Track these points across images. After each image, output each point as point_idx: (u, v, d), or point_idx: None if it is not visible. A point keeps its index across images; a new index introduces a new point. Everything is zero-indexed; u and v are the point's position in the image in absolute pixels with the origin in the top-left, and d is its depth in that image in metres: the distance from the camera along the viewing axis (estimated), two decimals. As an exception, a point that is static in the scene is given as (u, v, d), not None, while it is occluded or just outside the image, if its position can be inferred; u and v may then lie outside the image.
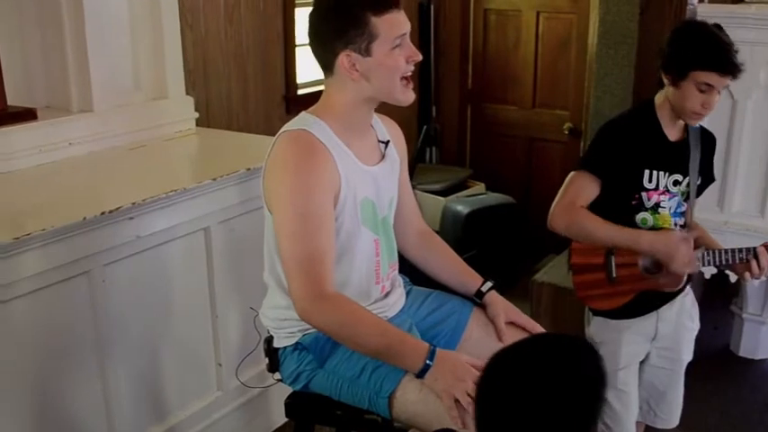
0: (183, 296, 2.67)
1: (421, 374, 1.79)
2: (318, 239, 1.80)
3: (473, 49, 4.96)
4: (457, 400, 1.74)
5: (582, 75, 4.49)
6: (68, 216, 2.22)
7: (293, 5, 3.88)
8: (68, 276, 2.27)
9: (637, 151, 2.32)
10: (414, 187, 2.41)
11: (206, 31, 3.46)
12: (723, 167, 3.35)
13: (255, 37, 3.71)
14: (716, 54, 2.19)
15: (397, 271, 2.13)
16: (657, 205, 2.35)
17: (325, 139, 1.87)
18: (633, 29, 3.78)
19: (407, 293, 2.18)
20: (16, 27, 2.80)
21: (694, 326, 2.55)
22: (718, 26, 2.27)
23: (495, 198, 4.49)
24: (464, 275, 2.20)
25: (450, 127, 5.08)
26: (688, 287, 2.50)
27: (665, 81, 2.27)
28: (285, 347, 2.00)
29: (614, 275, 2.41)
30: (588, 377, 1.24)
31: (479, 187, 4.69)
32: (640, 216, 2.36)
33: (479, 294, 2.15)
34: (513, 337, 2.06)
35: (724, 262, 2.34)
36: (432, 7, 4.77)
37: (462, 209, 4.26)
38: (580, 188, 2.36)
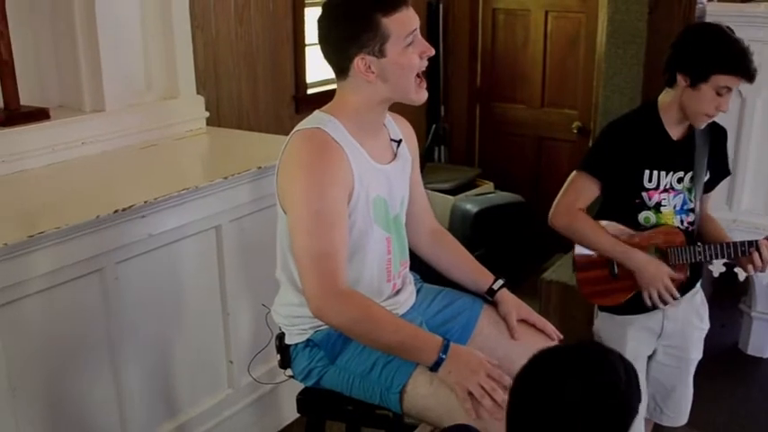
0: (194, 294, 2.69)
1: (434, 368, 1.80)
2: (332, 236, 1.81)
3: (482, 48, 4.97)
4: (471, 393, 1.76)
5: (591, 74, 4.51)
6: (81, 215, 2.24)
7: (303, 6, 3.89)
8: (81, 274, 2.29)
9: (637, 152, 2.33)
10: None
11: (216, 31, 3.48)
12: (732, 165, 3.34)
13: (265, 37, 3.73)
14: (740, 59, 2.20)
15: (408, 269, 2.14)
16: (659, 204, 2.36)
17: (339, 138, 1.88)
18: (642, 28, 3.79)
19: (418, 291, 2.19)
20: (29, 28, 2.82)
21: (703, 325, 2.55)
22: (729, 29, 2.29)
23: (503, 197, 4.50)
24: (475, 273, 2.21)
25: (458, 126, 5.09)
26: (698, 285, 2.51)
27: (682, 81, 2.26)
28: (297, 344, 2.02)
29: (616, 272, 2.42)
30: (621, 387, 1.25)
31: (488, 186, 4.70)
32: (643, 215, 2.37)
33: (491, 292, 2.17)
34: (524, 334, 2.09)
35: (726, 256, 2.35)
36: (440, 6, 4.78)
37: (471, 208, 4.27)
38: (580, 189, 2.40)
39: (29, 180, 2.58)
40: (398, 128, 2.10)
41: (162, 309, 2.58)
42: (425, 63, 1.90)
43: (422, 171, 2.25)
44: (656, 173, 2.34)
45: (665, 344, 2.50)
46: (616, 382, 1.25)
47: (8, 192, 2.49)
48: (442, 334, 2.04)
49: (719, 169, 2.48)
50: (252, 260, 2.82)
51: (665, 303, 2.35)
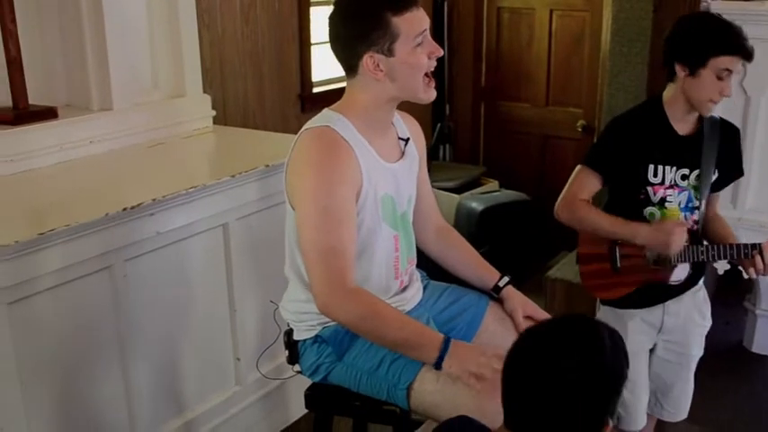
0: (201, 291, 2.70)
1: (437, 365, 1.82)
2: (340, 234, 1.83)
3: (486, 46, 4.98)
4: (476, 376, 1.78)
5: (595, 72, 4.52)
6: (90, 213, 2.26)
7: (308, 5, 3.91)
8: (90, 272, 2.30)
9: (640, 146, 2.34)
10: (428, 184, 2.45)
11: (222, 30, 3.49)
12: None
13: (271, 36, 3.75)
14: (734, 38, 2.21)
15: (414, 266, 2.16)
16: (664, 200, 2.37)
17: (348, 136, 1.89)
18: (646, 26, 3.79)
19: (424, 288, 2.20)
20: (37, 27, 2.84)
21: (705, 323, 2.55)
22: (718, 15, 2.30)
23: (508, 195, 4.51)
24: (482, 270, 2.23)
25: (463, 124, 5.11)
26: (700, 282, 2.52)
27: (681, 72, 2.27)
28: (305, 340, 2.04)
29: (618, 265, 2.44)
30: (607, 353, 1.32)
31: (493, 184, 4.71)
32: (648, 210, 2.38)
33: (497, 289, 2.19)
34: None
35: (729, 257, 2.35)
36: (445, 5, 4.80)
37: (476, 206, 4.28)
38: (582, 182, 2.42)
39: (37, 179, 2.60)
40: (406, 126, 2.12)
41: (169, 306, 2.59)
42: (434, 63, 1.91)
43: (428, 169, 2.27)
44: (660, 167, 2.34)
45: (665, 339, 2.51)
46: (602, 348, 1.32)
47: (17, 190, 2.51)
48: (448, 330, 2.07)
49: (731, 169, 2.47)
50: (259, 258, 2.84)
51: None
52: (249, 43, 3.64)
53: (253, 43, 3.66)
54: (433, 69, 1.92)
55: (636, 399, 2.52)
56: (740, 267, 2.80)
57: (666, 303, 2.44)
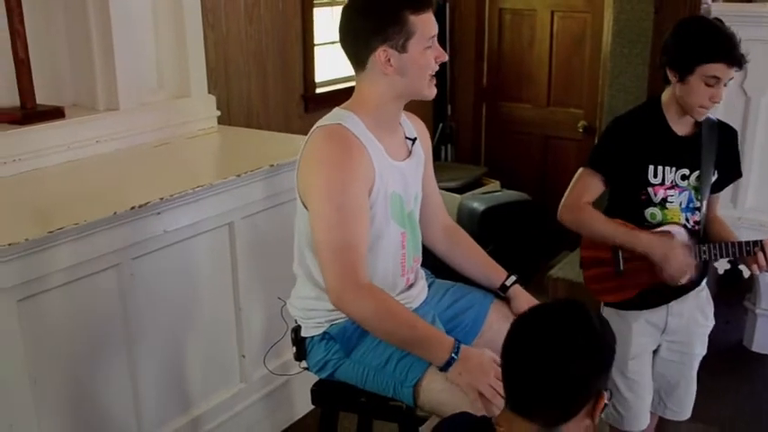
0: (207, 289, 2.73)
1: (445, 368, 1.84)
2: (354, 230, 1.86)
3: (488, 47, 5.00)
4: (481, 394, 1.80)
5: (596, 73, 4.54)
6: (98, 211, 2.28)
7: (312, 5, 3.92)
8: (98, 270, 2.32)
9: (641, 147, 2.35)
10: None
11: (227, 30, 3.51)
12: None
13: (275, 37, 3.76)
14: (721, 46, 2.20)
15: (419, 264, 2.18)
16: (665, 200, 2.37)
17: (360, 134, 1.93)
18: (647, 27, 3.82)
19: (429, 286, 2.22)
20: (44, 28, 2.86)
21: (708, 322, 2.56)
22: (719, 20, 2.31)
23: (510, 195, 4.52)
24: (489, 269, 2.25)
25: (465, 125, 5.13)
26: (703, 283, 2.53)
27: (672, 78, 2.28)
28: (312, 337, 2.06)
29: (621, 269, 2.45)
30: (597, 329, 1.46)
31: (495, 185, 4.73)
32: (649, 211, 2.39)
33: (503, 288, 2.21)
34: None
35: (731, 255, 2.36)
36: (447, 6, 4.82)
37: (478, 206, 4.30)
38: (586, 185, 2.42)
39: (45, 178, 2.62)
40: (413, 126, 2.14)
41: (175, 304, 2.61)
42: (437, 67, 1.97)
43: (431, 169, 2.29)
44: (660, 168, 2.35)
45: (668, 339, 2.52)
46: (593, 326, 1.45)
47: (25, 189, 2.53)
48: (452, 327, 2.09)
49: (729, 170, 2.48)
50: (264, 256, 2.86)
51: (683, 277, 2.35)
52: (253, 43, 3.66)
53: (257, 43, 3.68)
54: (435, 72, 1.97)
55: (639, 399, 2.53)
56: (740, 267, 2.82)
57: (670, 304, 2.45)
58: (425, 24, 1.90)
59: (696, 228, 2.40)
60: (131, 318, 2.45)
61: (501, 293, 2.21)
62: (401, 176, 2.02)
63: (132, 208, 2.33)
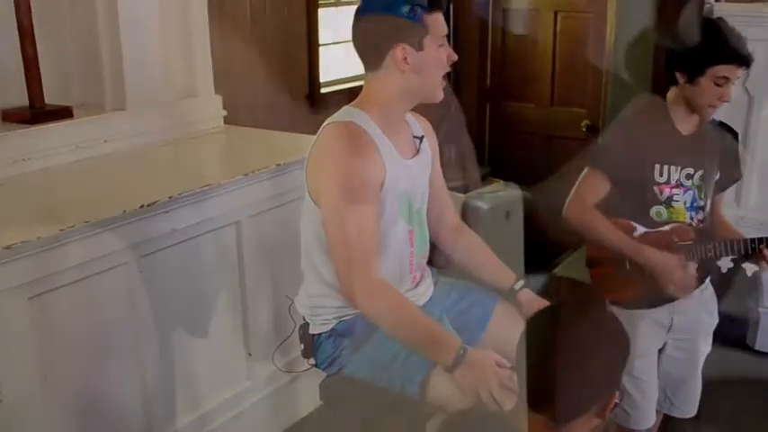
0: (214, 287, 2.74)
1: (451, 369, 1.85)
2: (366, 226, 1.88)
3: (492, 47, 5.01)
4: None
5: (599, 73, 4.54)
6: (108, 210, 2.30)
7: (316, 6, 3.94)
8: (108, 267, 2.34)
9: (646, 146, 2.36)
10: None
11: (233, 31, 3.52)
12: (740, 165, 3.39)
13: (280, 37, 3.78)
14: (731, 47, 2.23)
15: (426, 261, 2.19)
16: (671, 199, 2.38)
17: (370, 130, 1.95)
18: (650, 27, 3.83)
19: (435, 283, 2.24)
20: (53, 29, 2.88)
21: (713, 320, 2.57)
22: (721, 19, 2.32)
23: (513, 194, 4.53)
24: (497, 270, 2.24)
25: (468, 125, 5.12)
26: (707, 281, 2.54)
27: (680, 79, 2.30)
28: (320, 333, 2.07)
29: (628, 267, 2.45)
30: (612, 320, 1.52)
31: (498, 184, 4.74)
32: (655, 209, 2.40)
33: (512, 292, 2.19)
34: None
35: (735, 253, 2.37)
36: (451, 6, 4.82)
37: (482, 205, 4.31)
38: (591, 185, 2.43)
39: (54, 177, 2.64)
40: (419, 126, 2.16)
41: (183, 301, 2.63)
42: (449, 67, 2.00)
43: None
44: (666, 167, 2.36)
45: (674, 337, 2.53)
46: (608, 318, 1.51)
47: (35, 188, 2.55)
48: (457, 326, 2.09)
49: (730, 171, 2.49)
50: (271, 255, 2.87)
51: (685, 292, 2.38)
52: (259, 44, 3.67)
53: (262, 44, 3.69)
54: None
55: (645, 398, 2.53)
56: (744, 265, 2.82)
57: (675, 302, 2.46)
58: (438, 23, 1.94)
59: (701, 226, 2.42)
60: (140, 315, 2.47)
61: (509, 299, 2.19)
62: (409, 174, 2.04)
63: (141, 206, 2.35)
